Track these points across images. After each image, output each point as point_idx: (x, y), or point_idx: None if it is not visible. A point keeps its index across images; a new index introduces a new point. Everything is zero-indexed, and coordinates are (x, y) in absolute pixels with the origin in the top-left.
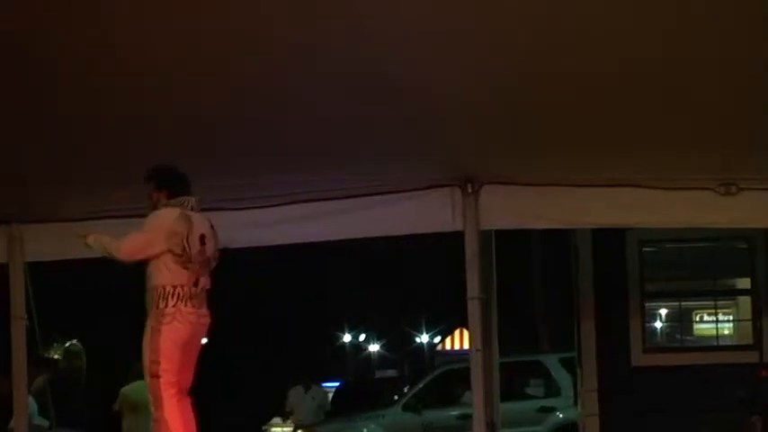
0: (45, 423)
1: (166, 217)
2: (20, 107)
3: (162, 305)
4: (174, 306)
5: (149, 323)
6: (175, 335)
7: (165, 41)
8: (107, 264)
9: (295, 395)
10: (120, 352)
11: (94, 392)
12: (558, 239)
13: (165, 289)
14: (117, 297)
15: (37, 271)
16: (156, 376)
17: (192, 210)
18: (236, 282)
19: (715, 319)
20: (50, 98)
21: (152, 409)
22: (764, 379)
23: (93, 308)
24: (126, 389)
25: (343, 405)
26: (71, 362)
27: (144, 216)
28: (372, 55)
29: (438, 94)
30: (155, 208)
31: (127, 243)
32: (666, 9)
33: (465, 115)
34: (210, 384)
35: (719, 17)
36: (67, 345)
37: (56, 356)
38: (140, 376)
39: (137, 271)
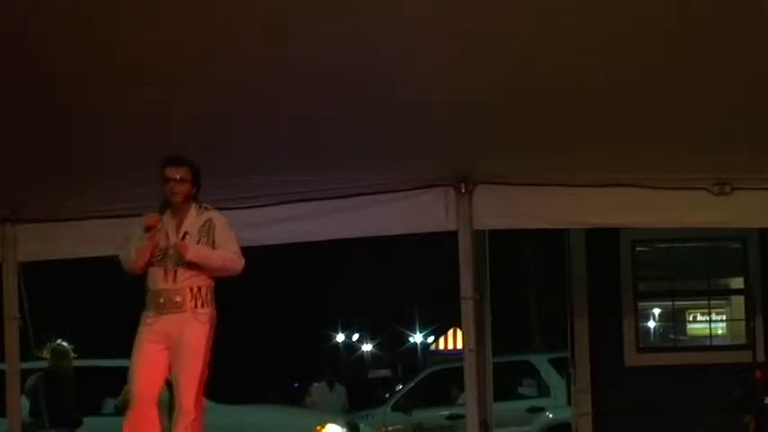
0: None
1: None
2: (14, 107)
3: (214, 303)
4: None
5: (208, 321)
6: None
7: (162, 42)
8: (96, 264)
9: (319, 392)
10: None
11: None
12: (552, 239)
13: (213, 288)
14: (105, 297)
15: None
16: (205, 375)
17: None
18: (227, 282)
19: (708, 318)
20: (45, 99)
21: (191, 406)
22: (759, 379)
23: (83, 307)
24: None
25: None
26: (58, 362)
27: (137, 215)
28: (368, 55)
29: (432, 94)
30: (187, 196)
31: (239, 255)
32: (666, 9)
33: (459, 115)
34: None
35: (719, 17)
36: (54, 345)
37: (47, 356)
38: None
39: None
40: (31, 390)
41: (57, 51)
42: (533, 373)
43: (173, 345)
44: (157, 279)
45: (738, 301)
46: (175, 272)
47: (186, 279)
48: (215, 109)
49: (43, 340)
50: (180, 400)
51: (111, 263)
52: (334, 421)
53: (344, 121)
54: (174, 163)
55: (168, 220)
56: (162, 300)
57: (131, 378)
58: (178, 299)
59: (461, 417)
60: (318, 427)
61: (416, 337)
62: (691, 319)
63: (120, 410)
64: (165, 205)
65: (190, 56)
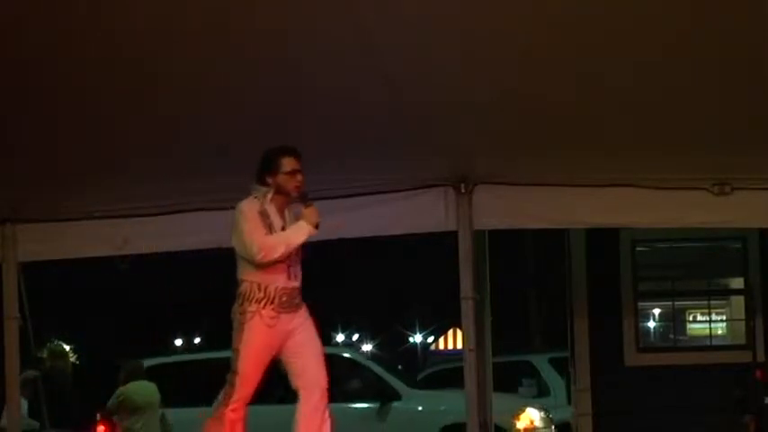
0: (35, 425)
1: None
2: (13, 107)
3: None
4: None
5: None
6: None
7: (163, 43)
8: (96, 264)
9: None
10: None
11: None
12: (552, 239)
13: None
14: (105, 297)
15: (28, 270)
16: None
17: None
18: (228, 281)
19: (708, 318)
20: (45, 98)
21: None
22: (759, 379)
23: (83, 307)
24: (126, 389)
25: None
26: (55, 363)
27: (137, 216)
28: (368, 55)
29: (432, 94)
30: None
31: None
32: (666, 9)
33: (459, 115)
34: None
35: (719, 17)
36: (52, 345)
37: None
38: (137, 376)
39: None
40: (28, 387)
41: (57, 51)
42: (533, 373)
43: (289, 338)
44: (281, 276)
45: (738, 301)
46: (293, 271)
47: (299, 279)
48: (215, 109)
49: (43, 340)
50: (317, 378)
51: (111, 263)
52: (531, 405)
53: (344, 121)
54: (298, 156)
55: (274, 213)
56: (285, 298)
57: (244, 376)
58: (297, 300)
59: None
60: (518, 411)
61: (416, 337)
62: (691, 319)
63: (113, 413)
64: (280, 196)
65: (190, 56)
